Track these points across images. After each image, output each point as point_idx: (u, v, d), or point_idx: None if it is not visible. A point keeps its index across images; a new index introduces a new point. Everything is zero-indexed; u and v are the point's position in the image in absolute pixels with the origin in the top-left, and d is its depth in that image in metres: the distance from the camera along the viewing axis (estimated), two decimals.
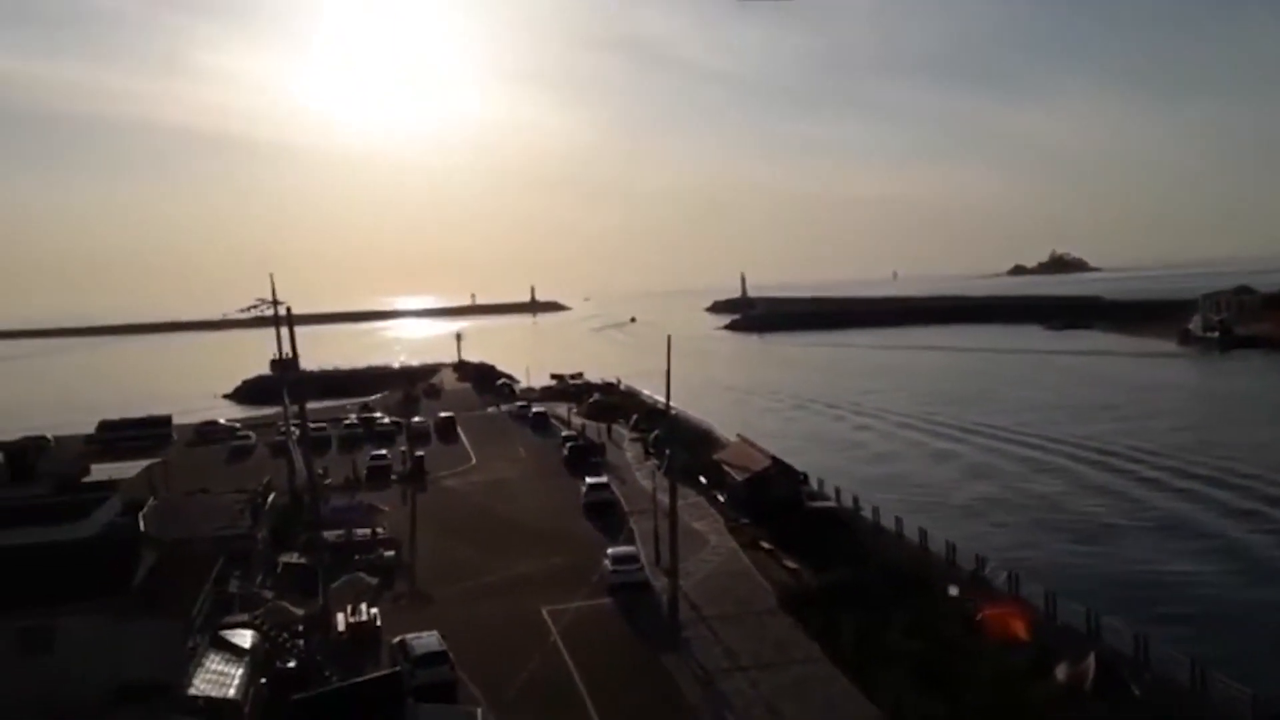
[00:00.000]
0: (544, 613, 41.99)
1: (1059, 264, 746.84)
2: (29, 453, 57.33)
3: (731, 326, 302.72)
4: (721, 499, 60.50)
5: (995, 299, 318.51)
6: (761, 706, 32.13)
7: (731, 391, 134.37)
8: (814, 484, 60.78)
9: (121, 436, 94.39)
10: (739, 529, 54.02)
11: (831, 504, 57.21)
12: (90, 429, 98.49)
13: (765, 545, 50.29)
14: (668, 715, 32.20)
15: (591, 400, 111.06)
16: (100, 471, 56.26)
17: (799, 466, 61.18)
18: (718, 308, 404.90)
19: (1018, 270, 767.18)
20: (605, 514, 59.68)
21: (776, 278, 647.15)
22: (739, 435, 73.90)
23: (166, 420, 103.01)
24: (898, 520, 51.85)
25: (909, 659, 33.74)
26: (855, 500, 56.88)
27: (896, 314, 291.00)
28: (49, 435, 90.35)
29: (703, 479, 64.03)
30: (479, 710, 29.63)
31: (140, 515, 43.55)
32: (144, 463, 59.75)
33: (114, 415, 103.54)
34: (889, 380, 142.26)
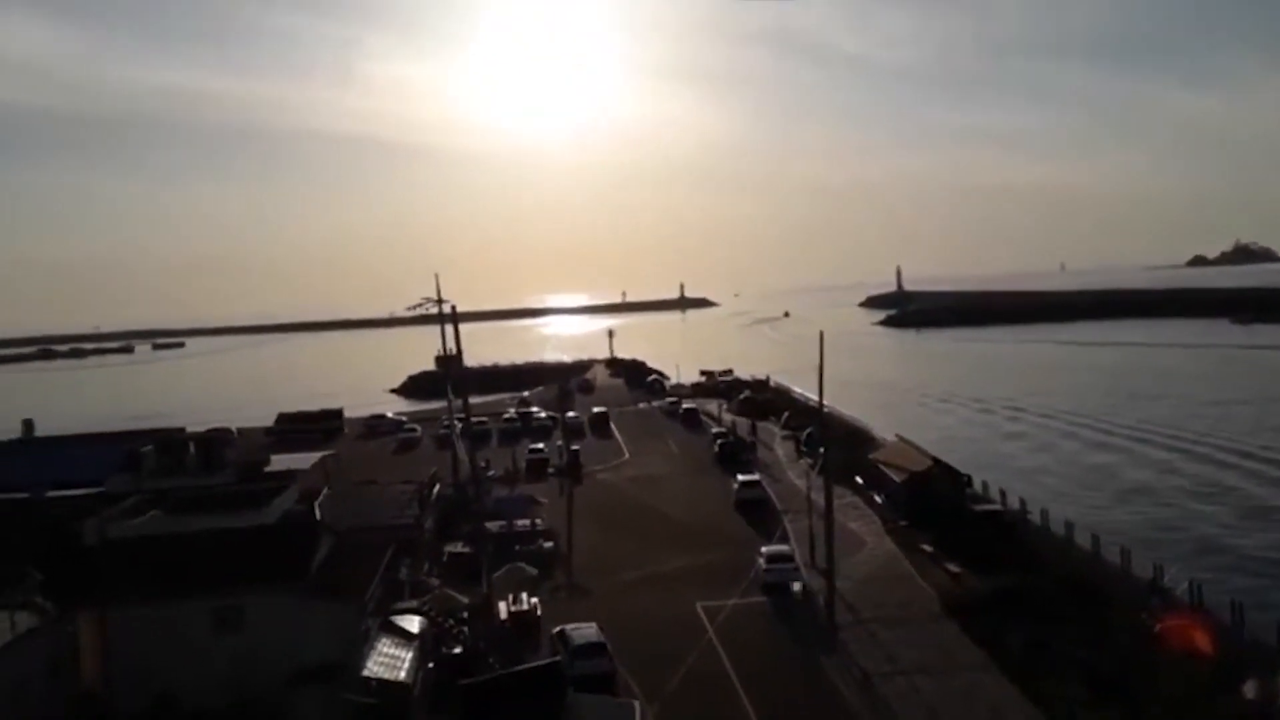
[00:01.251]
0: (698, 608, 42.12)
1: (1244, 254, 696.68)
2: (216, 444, 61.19)
3: (887, 322, 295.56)
4: (879, 500, 59.23)
5: (1176, 291, 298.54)
6: (924, 712, 31.30)
7: (887, 389, 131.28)
8: (977, 486, 58.77)
9: (297, 429, 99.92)
10: (898, 531, 52.78)
11: (997, 507, 55.16)
12: (270, 422, 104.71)
13: (926, 548, 48.94)
14: (826, 716, 31.79)
15: (742, 397, 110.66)
16: (279, 462, 59.62)
17: (961, 468, 59.29)
18: (872, 303, 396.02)
19: (1198, 261, 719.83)
20: (757, 511, 59.37)
21: (933, 271, 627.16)
22: (897, 435, 72.17)
23: (338, 414, 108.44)
24: (1068, 525, 49.53)
25: (1082, 670, 32.23)
26: (1022, 503, 54.66)
27: (1066, 308, 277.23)
28: (233, 427, 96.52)
29: (859, 479, 62.85)
30: (637, 704, 29.95)
31: (316, 504, 45.92)
32: (318, 454, 63.01)
33: (291, 409, 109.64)
34: (1059, 379, 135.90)
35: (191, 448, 59.13)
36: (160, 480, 52.23)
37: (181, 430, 70.37)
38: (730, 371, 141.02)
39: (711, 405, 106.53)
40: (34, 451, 66.64)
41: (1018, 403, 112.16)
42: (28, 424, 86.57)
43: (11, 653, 27.34)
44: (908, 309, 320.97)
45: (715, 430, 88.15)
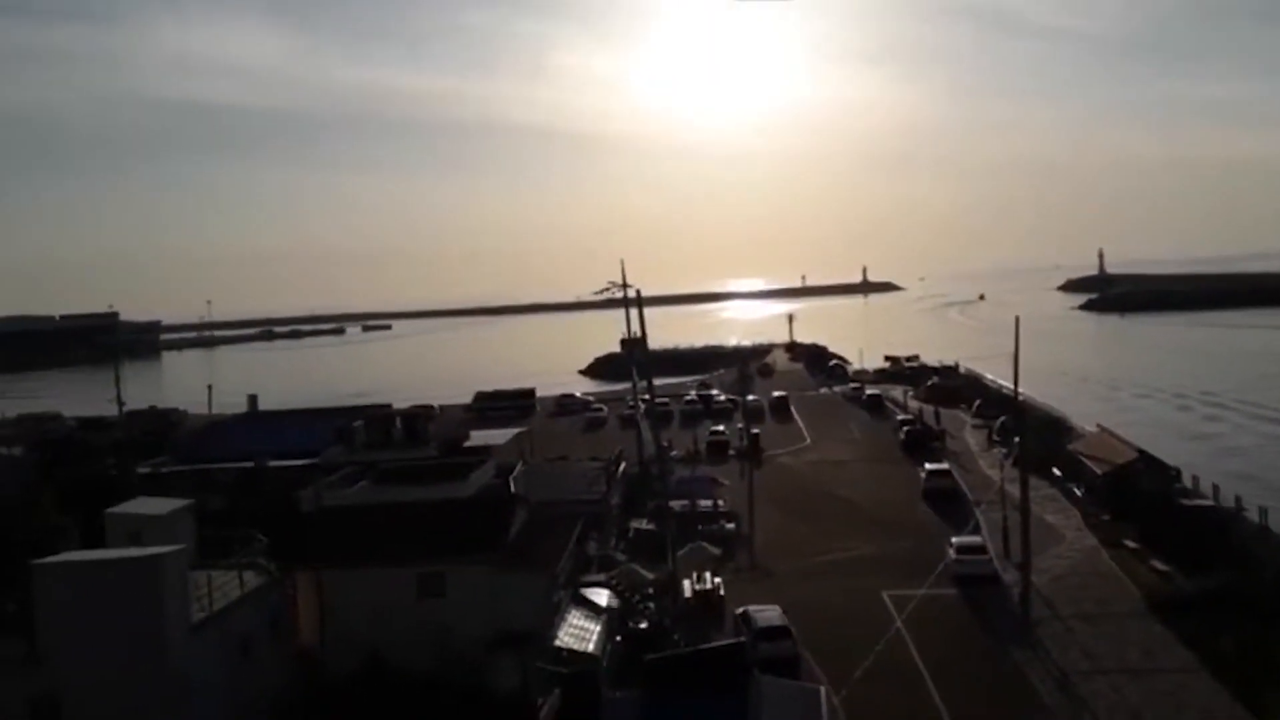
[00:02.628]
0: (885, 597, 41.44)
1: None
2: (420, 419, 64.69)
3: (1087, 306, 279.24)
4: (1079, 493, 56.42)
5: None
6: (1127, 714, 29.80)
7: (1087, 377, 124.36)
8: (1186, 480, 55.05)
9: (493, 406, 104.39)
10: (1099, 525, 50.18)
11: (1209, 503, 51.53)
12: (468, 399, 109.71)
13: (1130, 544, 46.35)
14: (1021, 713, 30.75)
15: (929, 384, 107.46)
16: (477, 438, 62.39)
17: (1168, 460, 55.70)
18: (1070, 286, 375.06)
19: None
20: (946, 502, 57.72)
21: (1142, 253, 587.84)
22: (1098, 425, 68.43)
23: (531, 393, 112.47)
24: None
25: None
26: (1238, 500, 50.84)
27: None
28: (435, 404, 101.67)
29: (1056, 471, 60.04)
30: (822, 689, 29.82)
31: (511, 478, 47.86)
32: (513, 431, 65.51)
33: (487, 388, 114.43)
34: None
35: (398, 423, 62.73)
36: (369, 453, 55.71)
37: (388, 407, 74.69)
38: (916, 357, 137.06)
39: (896, 391, 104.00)
40: (258, 424, 72.41)
41: (1225, 397, 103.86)
42: (252, 399, 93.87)
43: (240, 608, 29.79)
44: (1110, 293, 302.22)
45: (900, 417, 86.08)
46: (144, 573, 26.43)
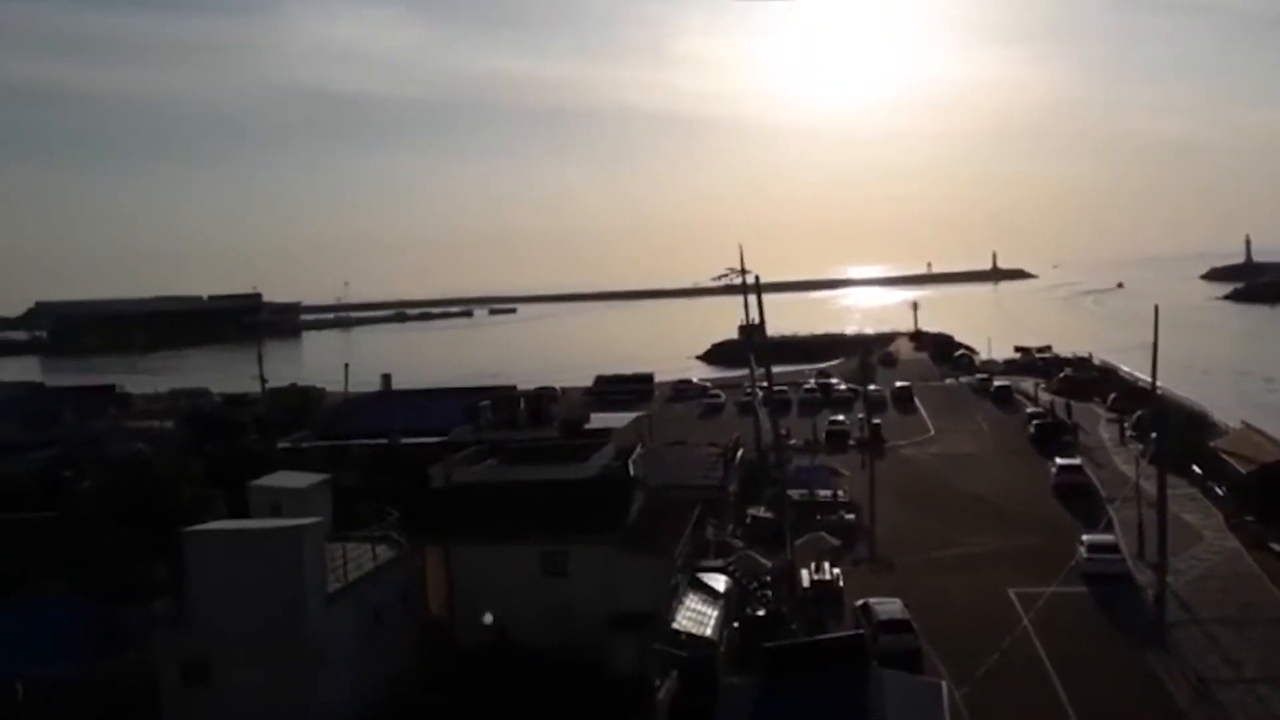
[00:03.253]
0: (1011, 594, 40.37)
1: None
2: (543, 401, 66.15)
3: (1233, 296, 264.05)
4: (1220, 492, 53.73)
5: None
6: None
7: (1231, 371, 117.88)
8: None
9: (612, 390, 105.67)
10: (1242, 527, 47.73)
11: None
12: (589, 383, 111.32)
13: (1277, 548, 43.96)
14: (1154, 718, 29.63)
15: (1061, 375, 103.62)
16: (597, 420, 63.35)
17: None
18: (1215, 275, 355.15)
19: None
20: (1078, 498, 55.75)
21: None
22: (1243, 421, 64.89)
23: (649, 377, 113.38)
24: None
25: None
26: None
27: None
28: (558, 387, 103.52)
29: (1196, 468, 57.27)
30: (944, 684, 29.32)
31: (630, 461, 48.39)
32: (632, 414, 66.26)
33: (607, 372, 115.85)
34: None
35: (522, 404, 64.24)
36: (495, 432, 57.24)
37: (513, 388, 76.50)
38: (1048, 348, 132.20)
39: (1026, 383, 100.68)
40: (391, 403, 75.11)
41: None
42: (386, 379, 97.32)
43: (373, 580, 31.07)
44: (1258, 282, 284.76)
45: (1030, 410, 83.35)
46: (285, 543, 27.85)
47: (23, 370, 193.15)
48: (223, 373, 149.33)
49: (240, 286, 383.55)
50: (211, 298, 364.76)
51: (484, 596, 33.24)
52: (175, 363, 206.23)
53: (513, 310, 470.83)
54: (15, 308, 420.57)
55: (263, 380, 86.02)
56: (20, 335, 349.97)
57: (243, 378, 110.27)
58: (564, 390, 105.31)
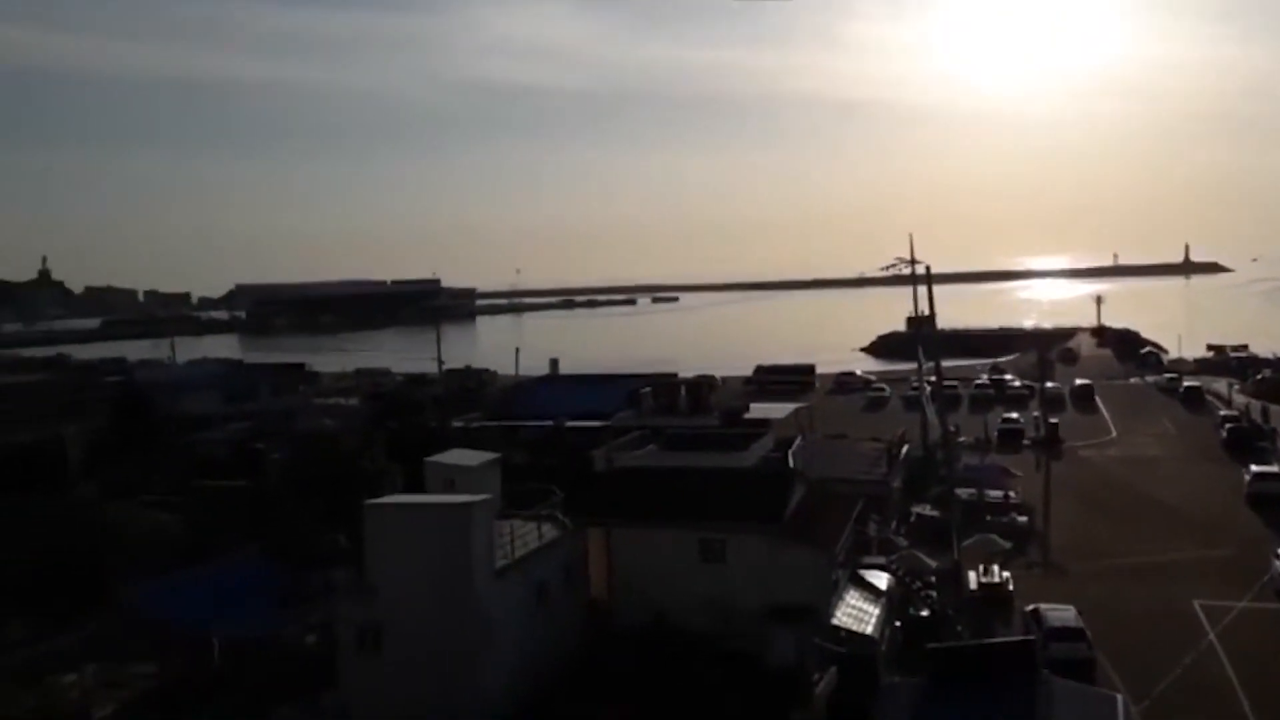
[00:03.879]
0: (1196, 606, 37.91)
1: None
2: (703, 389, 66.46)
3: None
4: None
5: None
6: None
7: None
8: None
9: (773, 380, 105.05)
10: None
11: None
12: (749, 372, 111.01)
13: None
14: None
15: (1259, 377, 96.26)
16: (757, 410, 63.11)
17: None
18: None
19: None
20: (1274, 508, 51.78)
21: None
22: None
23: (810, 369, 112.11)
24: None
25: None
26: None
27: None
28: (717, 375, 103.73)
29: None
30: (1119, 697, 27.87)
31: (790, 452, 48.04)
32: (792, 405, 65.67)
33: (768, 362, 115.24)
34: None
35: (682, 391, 64.74)
36: (656, 418, 57.95)
37: (674, 375, 77.18)
38: (1244, 347, 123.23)
39: (1219, 384, 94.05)
40: (557, 387, 77.10)
41: None
42: (553, 363, 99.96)
43: (538, 557, 31.97)
44: None
45: (1223, 413, 77.91)
46: (457, 518, 28.97)
47: (224, 348, 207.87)
48: (403, 354, 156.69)
49: (421, 272, 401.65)
50: (394, 282, 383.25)
51: (643, 579, 33.67)
52: (359, 343, 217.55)
53: (675, 299, 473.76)
54: (218, 289, 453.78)
55: (440, 362, 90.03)
56: (221, 315, 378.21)
57: (421, 359, 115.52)
58: (724, 379, 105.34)
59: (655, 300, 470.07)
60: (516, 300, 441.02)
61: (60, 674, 30.30)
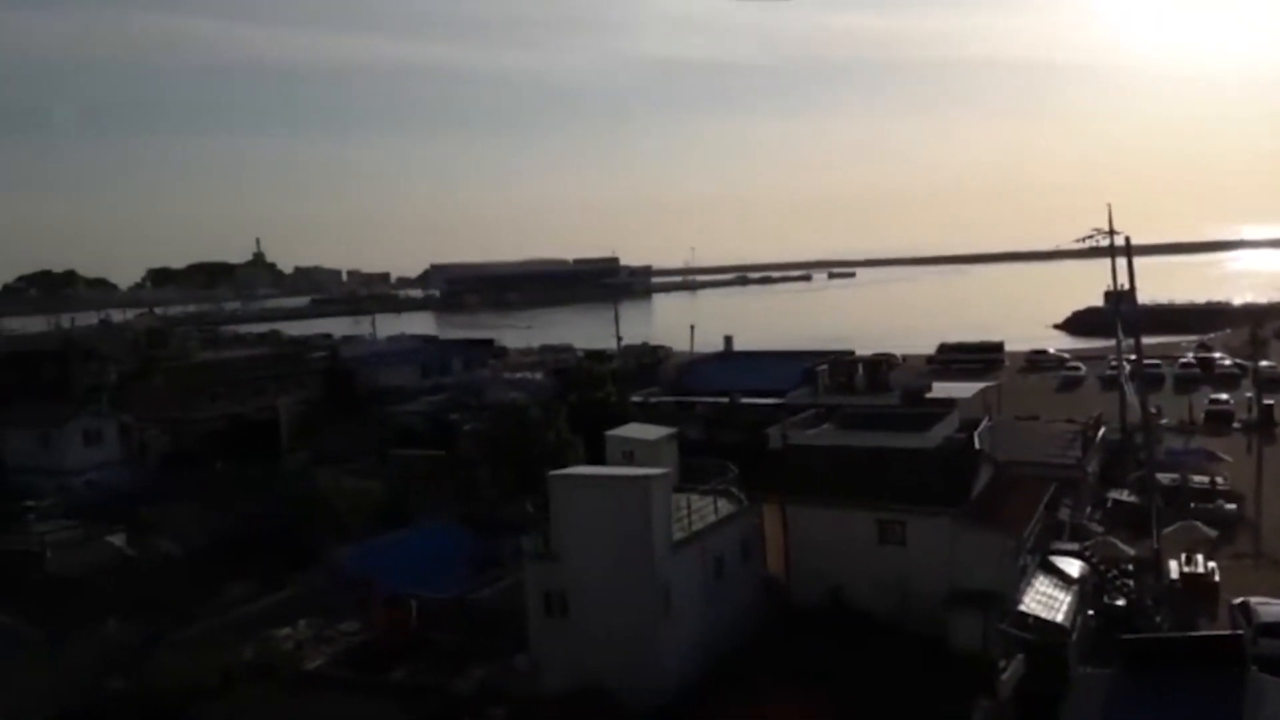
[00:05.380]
0: None
1: None
2: (882, 367, 65.11)
3: None
4: None
5: None
6: None
7: None
8: None
9: (957, 359, 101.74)
10: None
11: None
12: (932, 350, 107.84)
13: None
14: None
15: None
16: (940, 389, 61.21)
17: None
18: None
19: None
20: None
21: None
22: None
23: (999, 346, 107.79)
24: None
25: None
26: None
27: None
28: (898, 353, 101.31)
29: None
30: None
31: (976, 434, 46.46)
32: (979, 384, 63.34)
33: (952, 339, 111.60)
34: None
35: (860, 369, 63.63)
36: (832, 396, 57.25)
37: (852, 353, 75.89)
38: None
39: None
40: (732, 363, 77.37)
41: None
42: (728, 340, 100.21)
43: (715, 531, 32.35)
44: None
45: None
46: (637, 490, 29.67)
47: (420, 324, 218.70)
48: (583, 330, 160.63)
49: (600, 250, 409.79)
50: (576, 261, 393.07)
51: (820, 557, 33.58)
52: (544, 320, 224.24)
53: (852, 274, 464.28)
54: (414, 269, 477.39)
55: (618, 338, 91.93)
56: (417, 293, 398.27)
57: (601, 335, 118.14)
58: (905, 357, 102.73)
59: (832, 276, 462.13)
60: (691, 278, 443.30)
61: (275, 628, 32.87)
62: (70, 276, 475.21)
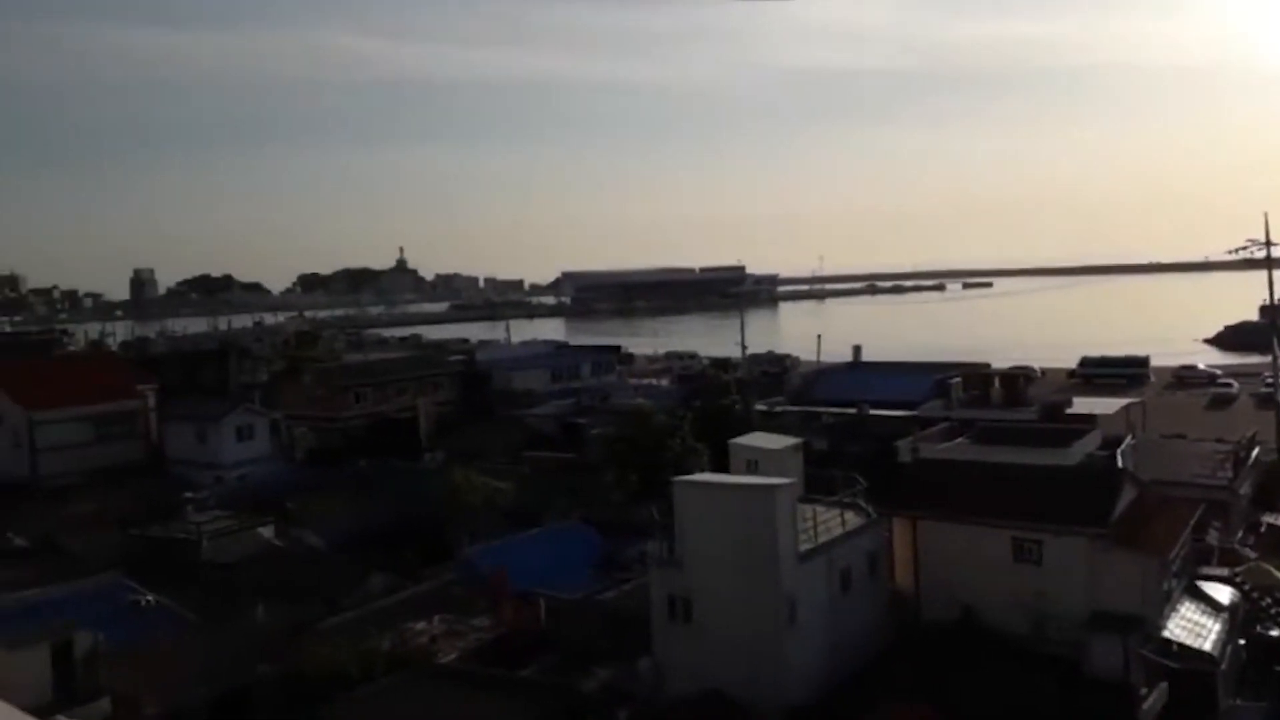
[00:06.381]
0: None
1: None
2: (1019, 381, 62.98)
3: None
4: None
5: None
6: None
7: None
8: None
9: (1099, 373, 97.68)
10: None
11: None
12: (1072, 364, 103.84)
13: None
14: None
15: None
16: (1080, 405, 59.01)
17: None
18: None
19: None
20: None
21: None
22: None
23: (1144, 361, 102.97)
24: None
25: None
26: None
27: None
28: (1036, 367, 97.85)
29: None
30: None
31: (1119, 451, 44.71)
32: (1122, 401, 60.77)
33: (1094, 353, 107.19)
34: None
35: (996, 383, 61.85)
36: (966, 410, 55.83)
37: (987, 366, 73.82)
38: None
39: None
40: (860, 374, 76.28)
41: None
42: (856, 350, 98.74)
43: (841, 544, 32.07)
44: None
45: None
46: (762, 500, 29.73)
47: (551, 330, 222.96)
48: (709, 338, 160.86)
49: (726, 258, 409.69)
50: (702, 269, 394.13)
51: (951, 574, 32.89)
52: (669, 327, 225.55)
53: (988, 284, 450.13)
54: (546, 276, 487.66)
55: (743, 346, 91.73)
56: (549, 300, 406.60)
57: (726, 343, 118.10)
58: (1043, 371, 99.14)
59: (966, 286, 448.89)
60: (819, 286, 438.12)
61: (411, 621, 34.15)
62: (228, 281, 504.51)
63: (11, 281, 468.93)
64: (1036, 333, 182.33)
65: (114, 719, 27.10)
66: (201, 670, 29.78)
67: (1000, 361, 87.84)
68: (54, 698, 26.20)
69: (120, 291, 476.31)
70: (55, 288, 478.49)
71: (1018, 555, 32.36)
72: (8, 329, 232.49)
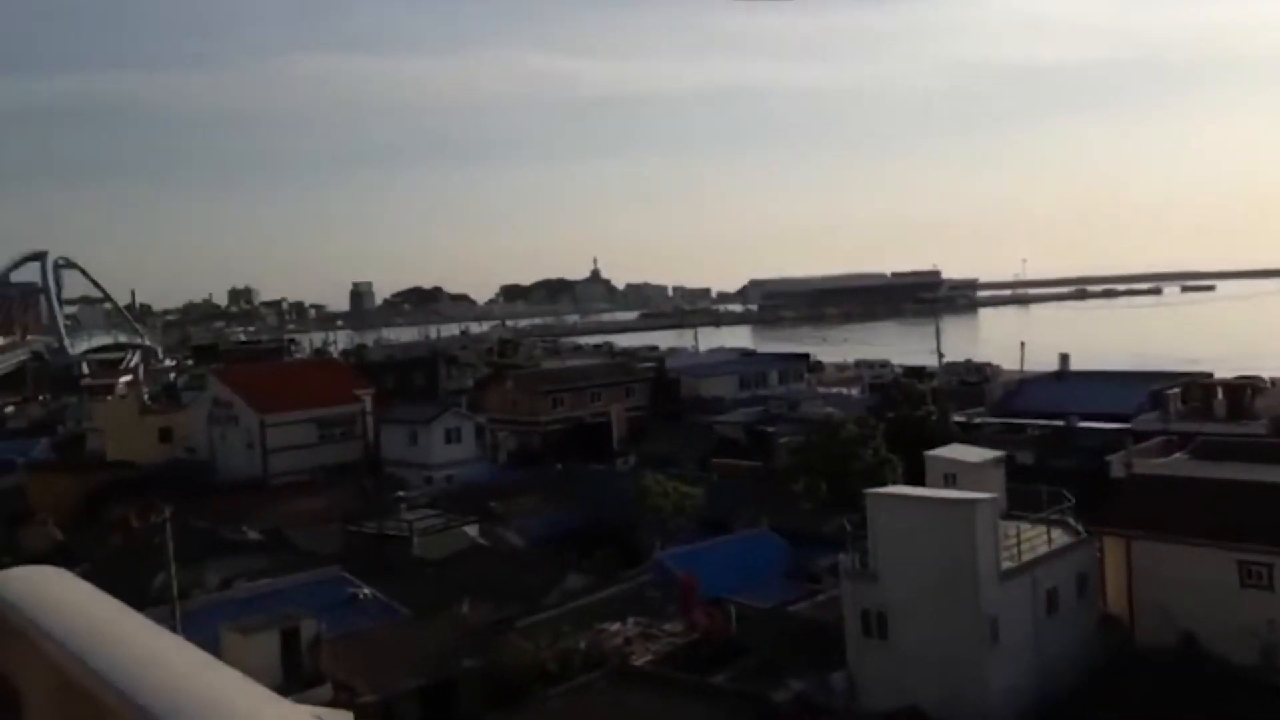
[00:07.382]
0: None
1: None
2: (1246, 392, 58.31)
3: None
4: None
5: None
6: None
7: None
8: None
9: None
10: None
11: None
12: None
13: None
14: None
15: None
16: None
17: None
18: None
19: None
20: None
21: None
22: None
23: None
24: None
25: None
26: None
27: None
28: (1266, 377, 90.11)
29: None
30: None
31: None
32: None
33: None
34: None
35: (1219, 394, 57.51)
36: (1186, 423, 52.16)
37: (1209, 375, 68.69)
38: None
39: None
40: (1068, 383, 72.45)
41: None
42: (1063, 358, 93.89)
43: (1048, 563, 30.67)
44: None
45: None
46: (960, 515, 28.87)
47: (738, 338, 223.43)
48: (902, 345, 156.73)
49: (921, 263, 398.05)
50: (894, 274, 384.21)
51: (1169, 599, 30.90)
52: (860, 334, 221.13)
53: (1210, 288, 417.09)
54: (733, 284, 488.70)
55: (940, 354, 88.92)
56: (736, 308, 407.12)
57: (920, 351, 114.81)
58: (1274, 381, 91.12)
59: (1185, 289, 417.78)
60: (1022, 291, 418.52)
61: (606, 622, 35.01)
62: (437, 292, 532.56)
63: (246, 295, 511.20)
64: (1266, 340, 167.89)
65: (335, 703, 29.20)
66: (411, 661, 31.58)
67: (1224, 371, 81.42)
68: (283, 680, 28.46)
69: (341, 303, 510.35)
70: (284, 300, 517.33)
71: (1245, 580, 30.26)
72: (242, 338, 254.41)
